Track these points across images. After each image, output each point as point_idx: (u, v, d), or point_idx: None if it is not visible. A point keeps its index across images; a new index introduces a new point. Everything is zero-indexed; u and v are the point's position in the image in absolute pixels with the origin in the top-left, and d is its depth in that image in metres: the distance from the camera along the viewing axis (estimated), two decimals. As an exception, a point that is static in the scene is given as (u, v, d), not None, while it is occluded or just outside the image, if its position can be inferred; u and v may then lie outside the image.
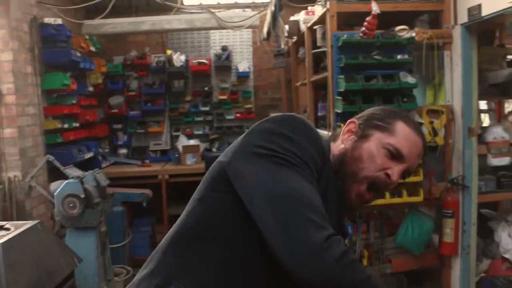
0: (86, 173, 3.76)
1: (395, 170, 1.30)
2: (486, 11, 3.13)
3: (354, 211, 1.42)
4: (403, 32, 3.39)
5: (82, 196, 3.55)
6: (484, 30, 3.65)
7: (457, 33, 3.47)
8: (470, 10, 3.30)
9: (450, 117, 3.51)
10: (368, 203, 1.37)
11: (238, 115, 5.92)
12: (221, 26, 4.83)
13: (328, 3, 3.48)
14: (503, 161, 3.61)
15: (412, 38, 3.38)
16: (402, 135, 1.31)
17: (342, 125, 3.39)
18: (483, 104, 4.32)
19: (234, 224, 1.23)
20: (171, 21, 4.93)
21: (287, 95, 5.98)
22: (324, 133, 3.26)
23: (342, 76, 3.33)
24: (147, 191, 4.58)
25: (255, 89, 6.08)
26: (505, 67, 3.88)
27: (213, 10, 5.23)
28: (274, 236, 1.12)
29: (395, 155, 1.30)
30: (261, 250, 1.19)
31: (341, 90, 3.35)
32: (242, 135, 1.30)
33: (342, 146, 1.36)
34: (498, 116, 4.37)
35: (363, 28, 3.31)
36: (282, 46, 4.32)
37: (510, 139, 3.68)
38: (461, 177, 3.44)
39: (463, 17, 3.40)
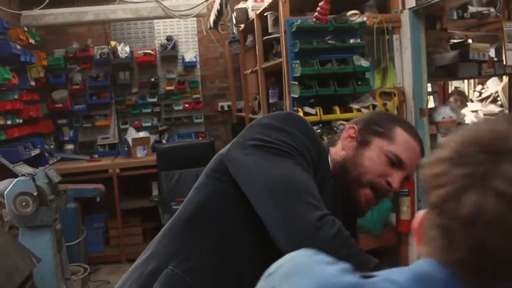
0: (37, 169, 3.61)
1: (395, 178, 1.32)
2: (434, -5, 3.25)
3: (363, 215, 1.47)
4: (354, 16, 3.46)
5: (35, 193, 3.41)
6: (427, 14, 3.79)
7: (405, 17, 3.58)
8: (418, -6, 3.41)
9: (401, 98, 3.63)
10: (373, 206, 1.40)
11: (187, 105, 5.85)
12: (167, 15, 4.74)
13: (280, -11, 3.49)
14: (451, 139, 3.77)
15: (363, 22, 3.45)
16: (401, 142, 1.34)
17: (299, 109, 3.45)
18: (428, 86, 4.48)
19: (232, 211, 1.28)
20: (116, 10, 4.79)
21: (235, 84, 5.98)
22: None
23: (298, 61, 3.36)
24: (100, 186, 4.45)
25: (202, 79, 6.02)
26: (449, 50, 4.04)
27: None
28: (272, 219, 1.15)
29: (395, 162, 1.32)
30: (258, 237, 1.23)
31: (297, 75, 3.38)
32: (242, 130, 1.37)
33: (343, 152, 1.38)
34: (443, 97, 4.55)
35: (316, 13, 3.35)
36: (235, 32, 4.29)
37: (457, 118, 3.85)
38: (415, 157, 3.55)
39: (411, 2, 3.50)
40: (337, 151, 1.40)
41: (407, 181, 1.39)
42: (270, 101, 4.47)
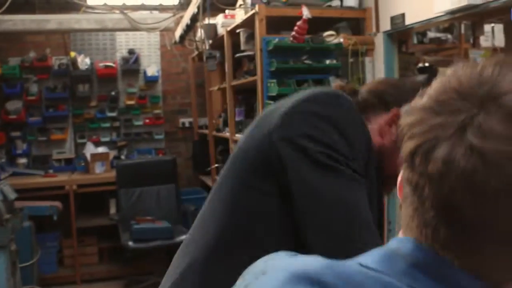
0: (-8, 185, 3.38)
1: None
2: (409, 20, 3.28)
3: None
4: (330, 37, 3.45)
5: (-10, 211, 3.18)
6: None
7: (379, 40, 3.61)
8: (393, 18, 3.44)
9: (373, 121, 3.63)
10: None
11: (147, 120, 5.69)
12: (134, 27, 4.60)
13: (256, 6, 3.44)
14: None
15: (340, 43, 3.45)
16: None
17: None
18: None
19: (279, 233, 1.05)
20: (80, 20, 4.60)
21: (197, 100, 5.88)
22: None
23: (274, 80, 3.30)
24: (57, 203, 4.23)
25: (163, 94, 5.88)
26: (417, 74, 4.11)
27: (117, 11, 4.97)
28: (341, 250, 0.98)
29: None
30: None
31: (273, 94, 3.32)
32: (281, 113, 1.05)
33: (380, 140, 1.18)
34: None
35: (294, 33, 3.32)
36: (207, 49, 4.21)
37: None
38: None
39: (385, 25, 3.53)
40: (373, 134, 1.17)
41: None
42: (236, 119, 4.41)
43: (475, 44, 4.07)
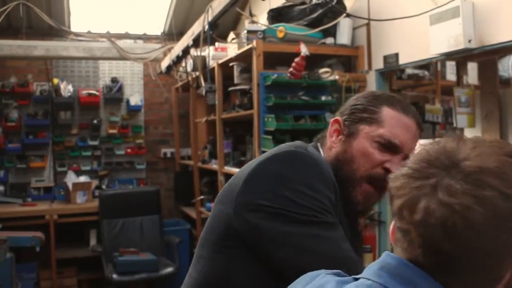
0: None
1: (393, 162, 1.21)
2: (403, 60, 3.38)
3: (366, 213, 1.37)
4: (326, 74, 3.52)
5: (-24, 243, 3.06)
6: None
7: (371, 78, 3.70)
8: (386, 57, 3.54)
9: (365, 156, 3.69)
10: (376, 202, 1.30)
11: (129, 150, 5.62)
12: (122, 56, 4.58)
13: (254, 41, 3.49)
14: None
15: (335, 80, 3.51)
16: (391, 123, 1.22)
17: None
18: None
19: (251, 279, 1.15)
20: (68, 48, 4.55)
21: (179, 131, 5.86)
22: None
23: (272, 115, 3.33)
24: (39, 234, 4.07)
25: (145, 124, 5.84)
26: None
27: (102, 40, 4.94)
28: None
29: (388, 146, 1.22)
30: None
31: (271, 129, 3.34)
32: (244, 177, 1.17)
33: (333, 150, 1.27)
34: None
35: (291, 69, 3.37)
36: (207, 83, 4.20)
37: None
38: (378, 214, 3.62)
39: (378, 63, 3.63)
40: (328, 151, 1.29)
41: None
42: (224, 151, 4.41)
43: (459, 83, 4.20)
